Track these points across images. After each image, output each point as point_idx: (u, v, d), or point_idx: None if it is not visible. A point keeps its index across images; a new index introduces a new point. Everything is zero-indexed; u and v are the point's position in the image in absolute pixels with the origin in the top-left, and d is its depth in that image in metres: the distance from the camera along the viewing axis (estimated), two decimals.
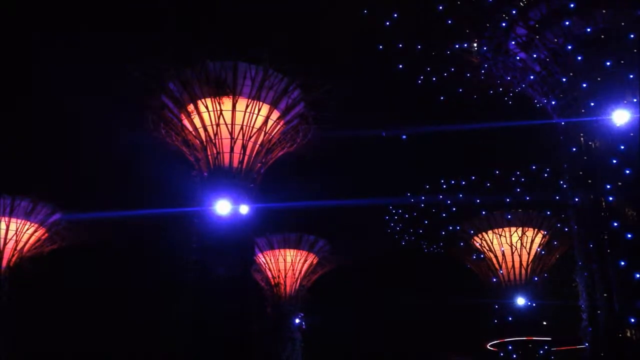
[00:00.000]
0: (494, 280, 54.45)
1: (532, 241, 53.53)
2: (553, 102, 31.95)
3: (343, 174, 51.62)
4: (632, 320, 26.37)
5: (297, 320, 54.19)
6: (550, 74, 31.69)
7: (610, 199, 28.10)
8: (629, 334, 26.51)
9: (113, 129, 38.70)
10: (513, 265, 53.53)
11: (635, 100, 28.87)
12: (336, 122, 38.48)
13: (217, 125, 35.31)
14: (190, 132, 36.13)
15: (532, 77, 33.08)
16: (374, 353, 70.99)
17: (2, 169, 41.16)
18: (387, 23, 33.10)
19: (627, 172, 27.92)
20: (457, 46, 33.99)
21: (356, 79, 36.93)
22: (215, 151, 35.69)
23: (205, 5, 31.88)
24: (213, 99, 35.02)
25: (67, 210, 46.58)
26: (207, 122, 35.60)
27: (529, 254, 53.53)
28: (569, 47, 30.35)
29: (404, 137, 40.25)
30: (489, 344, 54.28)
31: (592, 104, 29.55)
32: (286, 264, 55.21)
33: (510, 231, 53.60)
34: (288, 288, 55.32)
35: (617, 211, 27.90)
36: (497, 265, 54.16)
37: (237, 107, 35.33)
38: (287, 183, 44.16)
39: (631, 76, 29.17)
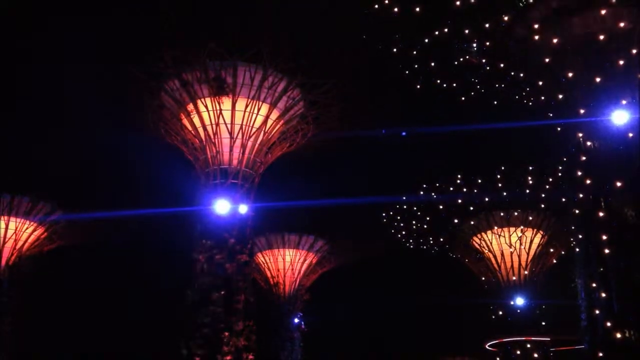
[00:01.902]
0: (493, 280, 54.51)
1: (531, 241, 53.58)
2: (552, 103, 32.00)
3: (343, 173, 51.68)
4: (631, 320, 26.41)
5: (296, 320, 54.22)
6: (550, 74, 31.72)
7: (610, 199, 28.15)
8: (627, 335, 26.56)
9: (112, 128, 38.69)
10: (512, 265, 53.58)
11: (634, 100, 28.92)
12: (336, 122, 38.52)
13: (217, 124, 35.32)
14: (190, 131, 36.15)
15: (531, 77, 33.14)
16: (373, 353, 71.06)
17: (2, 168, 41.15)
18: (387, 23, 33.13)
19: (626, 172, 28.00)
20: (456, 46, 34.03)
21: (356, 79, 36.93)
22: (214, 150, 35.71)
23: (204, 4, 31.87)
24: (212, 99, 35.04)
25: (67, 209, 46.61)
26: (207, 122, 35.62)
27: (528, 254, 53.58)
28: (569, 48, 30.39)
29: (404, 134, 40.33)
30: (488, 343, 54.35)
31: (592, 104, 29.61)
32: (285, 263, 55.22)
33: (509, 231, 53.64)
34: (287, 288, 55.34)
35: (616, 211, 27.95)
36: (496, 265, 54.20)
37: (236, 107, 35.35)
38: (287, 182, 44.22)
39: (630, 77, 29.23)
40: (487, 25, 32.27)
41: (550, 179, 47.81)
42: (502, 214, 52.96)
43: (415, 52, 34.34)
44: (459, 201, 51.46)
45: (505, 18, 31.77)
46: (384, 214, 53.98)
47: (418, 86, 36.41)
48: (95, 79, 34.11)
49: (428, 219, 53.82)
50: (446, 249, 57.83)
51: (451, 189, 50.50)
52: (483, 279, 55.96)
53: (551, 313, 52.38)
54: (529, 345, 51.07)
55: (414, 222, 54.44)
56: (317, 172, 47.52)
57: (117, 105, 36.66)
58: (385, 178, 53.07)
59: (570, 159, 30.64)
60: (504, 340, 52.15)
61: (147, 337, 57.28)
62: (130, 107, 36.22)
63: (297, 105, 37.16)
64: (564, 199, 38.90)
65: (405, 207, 53.20)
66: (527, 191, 49.16)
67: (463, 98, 37.52)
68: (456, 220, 53.86)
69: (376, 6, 32.16)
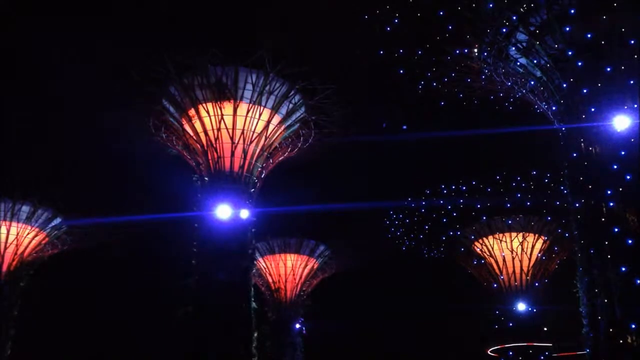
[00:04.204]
0: (495, 285, 54.41)
1: (533, 247, 53.49)
2: (553, 108, 31.99)
3: (344, 178, 51.67)
4: (633, 326, 26.32)
5: (298, 326, 54.11)
6: (551, 79, 31.72)
7: (611, 204, 28.10)
8: (629, 340, 26.47)
9: (114, 132, 38.72)
10: (514, 271, 53.48)
11: (635, 105, 28.89)
12: (337, 126, 38.56)
13: (218, 129, 35.35)
14: (191, 136, 36.18)
15: (532, 82, 33.14)
16: (375, 358, 70.89)
17: (3, 173, 41.18)
18: (388, 28, 33.18)
19: (628, 177, 27.94)
20: (457, 52, 34.06)
21: (356, 83, 36.97)
22: (216, 156, 35.72)
23: (206, 8, 31.98)
24: (214, 104, 35.08)
25: (68, 214, 46.61)
26: (208, 127, 35.65)
27: (529, 259, 53.48)
28: (570, 53, 30.39)
29: (404, 127, 40.33)
30: (490, 349, 54.20)
31: (593, 109, 29.58)
32: (287, 268, 55.17)
33: (511, 236, 53.57)
34: (289, 293, 55.26)
35: (618, 217, 27.89)
36: (497, 271, 54.11)
37: (237, 112, 35.39)
38: (288, 187, 44.22)
39: (632, 82, 29.21)
40: (488, 31, 32.30)
41: (552, 184, 47.78)
42: (503, 219, 52.91)
43: (416, 57, 34.39)
44: (461, 206, 51.43)
45: (507, 23, 31.81)
46: (385, 219, 53.95)
47: (419, 90, 36.44)
48: (98, 83, 34.18)
49: (430, 224, 53.77)
50: (447, 254, 57.72)
51: (453, 194, 50.48)
52: (485, 284, 55.85)
53: (553, 319, 52.25)
54: (530, 351, 50.92)
55: (415, 227, 54.40)
56: (318, 177, 47.52)
57: (119, 110, 36.68)
58: (386, 183, 53.04)
59: (572, 164, 30.60)
60: (506, 345, 52.01)
61: (148, 340, 57.22)
62: (132, 112, 36.23)
63: (298, 110, 37.21)
64: (565, 204, 38.86)
65: (406, 212, 53.17)
66: (529, 196, 49.11)
67: (465, 103, 37.55)
68: (458, 226, 53.80)
69: (377, 11, 32.24)
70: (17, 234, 45.74)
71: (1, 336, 44.01)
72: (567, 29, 30.31)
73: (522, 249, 53.36)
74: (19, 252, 46.12)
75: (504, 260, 53.77)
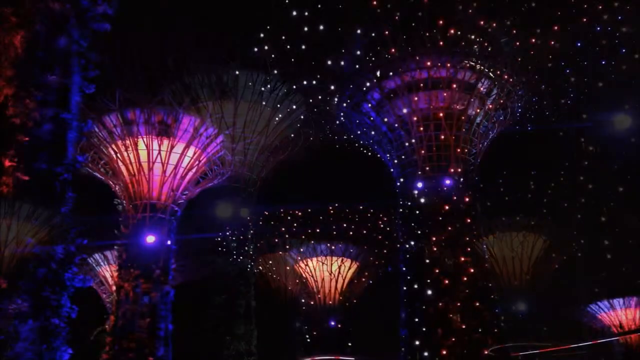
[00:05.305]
0: (495, 285, 54.23)
1: (533, 247, 53.34)
2: (554, 107, 32.04)
3: (342, 177, 51.72)
4: (634, 326, 26.40)
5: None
6: (555, 80, 31.75)
7: (612, 204, 28.19)
8: (629, 340, 26.54)
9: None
10: (514, 271, 53.36)
11: (637, 105, 28.94)
12: (338, 125, 38.53)
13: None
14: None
15: (532, 82, 33.16)
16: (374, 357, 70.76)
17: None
18: (389, 28, 33.08)
19: (628, 177, 28.03)
20: (457, 50, 33.97)
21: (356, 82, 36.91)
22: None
23: (206, 8, 31.99)
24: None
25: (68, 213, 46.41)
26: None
27: (529, 259, 53.36)
28: (570, 53, 30.43)
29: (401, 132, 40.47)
30: (489, 349, 53.97)
31: (593, 109, 29.66)
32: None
33: (511, 236, 53.41)
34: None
35: (619, 217, 27.97)
36: (498, 271, 53.96)
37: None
38: (290, 186, 44.22)
39: (633, 82, 29.28)
40: (489, 30, 32.33)
41: (552, 184, 47.73)
42: (503, 219, 52.78)
43: (417, 57, 34.37)
44: (461, 206, 51.30)
45: (508, 22, 31.82)
46: (385, 218, 53.86)
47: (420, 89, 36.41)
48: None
49: (430, 223, 53.56)
50: (447, 254, 57.50)
51: (453, 193, 50.29)
52: (485, 284, 55.65)
53: (553, 318, 52.17)
54: (530, 351, 50.79)
55: (413, 224, 54.21)
56: (318, 177, 47.55)
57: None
58: (385, 182, 53.02)
59: (572, 164, 30.70)
60: (505, 345, 51.86)
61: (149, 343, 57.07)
62: None
63: (298, 110, 37.12)
64: (565, 204, 38.93)
65: (407, 211, 53.02)
66: (529, 196, 49.09)
67: (465, 102, 37.46)
68: (457, 225, 53.57)
69: (378, 10, 32.24)
70: (18, 232, 45.54)
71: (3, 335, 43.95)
72: (569, 29, 30.34)
73: (522, 249, 53.26)
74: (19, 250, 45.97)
75: (504, 260, 53.66)
